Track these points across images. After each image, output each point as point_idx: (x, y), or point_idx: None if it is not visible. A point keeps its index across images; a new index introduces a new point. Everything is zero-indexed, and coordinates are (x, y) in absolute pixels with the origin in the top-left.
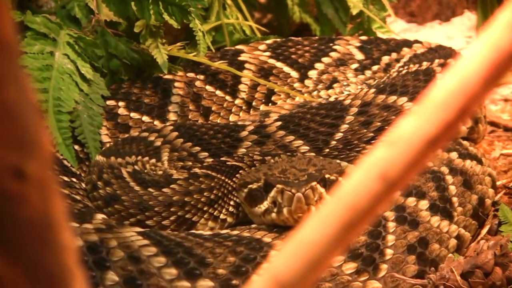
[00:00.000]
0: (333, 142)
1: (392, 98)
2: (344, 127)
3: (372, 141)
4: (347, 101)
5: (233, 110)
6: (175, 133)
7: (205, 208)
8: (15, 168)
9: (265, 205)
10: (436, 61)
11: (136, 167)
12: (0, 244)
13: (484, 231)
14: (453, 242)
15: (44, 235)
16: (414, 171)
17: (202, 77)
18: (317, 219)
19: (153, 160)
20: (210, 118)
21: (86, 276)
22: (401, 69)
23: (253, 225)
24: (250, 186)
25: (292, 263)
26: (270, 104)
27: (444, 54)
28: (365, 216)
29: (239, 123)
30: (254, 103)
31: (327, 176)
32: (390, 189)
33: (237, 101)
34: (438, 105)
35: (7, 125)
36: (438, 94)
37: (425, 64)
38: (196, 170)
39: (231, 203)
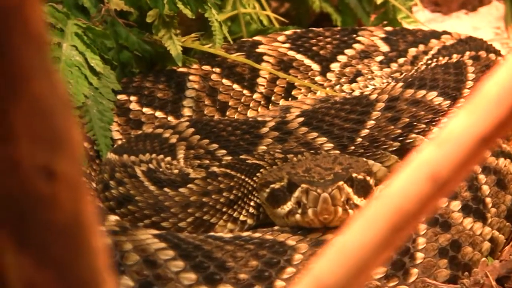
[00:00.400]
0: (359, 139)
1: (421, 92)
2: (371, 123)
3: (400, 138)
4: (373, 96)
5: (251, 105)
6: (191, 130)
7: (224, 209)
8: (46, 168)
9: (288, 206)
10: (467, 53)
11: (150, 165)
12: (31, 248)
13: None
14: (486, 245)
15: (74, 238)
16: (465, 171)
17: (218, 70)
18: (362, 221)
19: (168, 158)
20: (227, 113)
21: (116, 281)
22: (429, 61)
23: (276, 227)
24: (272, 185)
25: (336, 268)
26: (290, 98)
27: (475, 46)
28: (413, 218)
29: (259, 119)
30: (273, 98)
31: (354, 175)
32: (440, 190)
33: (255, 96)
34: (491, 101)
35: (37, 121)
36: (491, 89)
37: (455, 57)
38: (215, 169)
39: (252, 203)
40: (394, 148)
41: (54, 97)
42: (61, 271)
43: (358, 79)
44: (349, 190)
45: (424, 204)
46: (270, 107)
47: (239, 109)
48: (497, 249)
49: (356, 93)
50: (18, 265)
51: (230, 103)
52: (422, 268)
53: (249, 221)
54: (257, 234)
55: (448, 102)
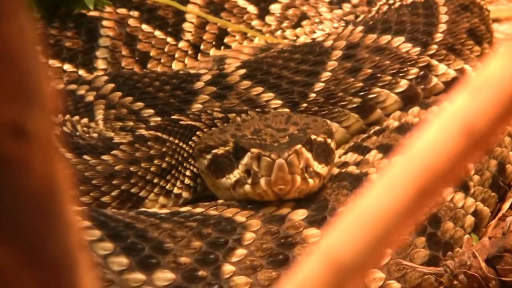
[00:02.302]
0: (312, 95)
1: (386, 38)
2: (326, 75)
3: (362, 93)
4: (329, 42)
5: (176, 55)
6: (111, 85)
7: (155, 180)
8: (15, 125)
9: (235, 175)
10: None
11: (65, 128)
12: None
13: (507, 205)
14: (470, 220)
15: (47, 209)
16: (504, 123)
17: (136, 13)
18: (383, 185)
19: (85, 120)
20: (148, 65)
21: (91, 261)
22: (391, 1)
23: (220, 201)
24: (214, 151)
25: (352, 242)
26: (222, 47)
27: None
28: (444, 179)
29: (192, 71)
30: (202, 47)
31: (313, 137)
32: (476, 145)
33: (181, 44)
34: None
35: (4, 69)
36: None
37: None
38: (143, 132)
39: (187, 173)
40: (354, 105)
41: (26, 42)
42: (32, 253)
43: (304, 23)
44: (308, 155)
45: (457, 161)
46: (199, 57)
47: (162, 60)
48: (481, 224)
49: (303, 39)
50: None
51: (151, 53)
52: (395, 248)
53: (185, 194)
54: (198, 209)
55: (417, 49)
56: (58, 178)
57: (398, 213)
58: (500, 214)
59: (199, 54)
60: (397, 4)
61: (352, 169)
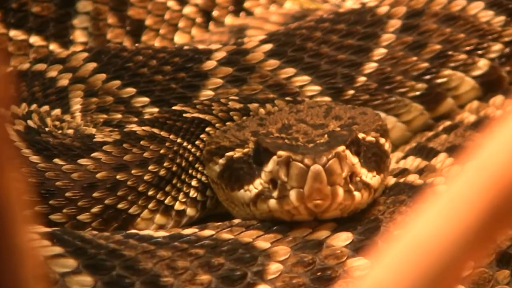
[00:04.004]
0: (361, 79)
1: (460, 3)
2: (380, 53)
3: (427, 76)
4: (384, 9)
5: (180, 24)
6: (92, 65)
7: (150, 193)
8: None
9: (257, 186)
10: None
11: (30, 122)
12: None
13: None
14: None
15: None
16: None
17: None
18: (446, 201)
19: (57, 111)
20: (143, 38)
21: None
22: None
23: (236, 221)
24: (229, 154)
25: (403, 273)
26: (242, 13)
27: None
28: None
29: (200, 47)
30: (215, 13)
31: (361, 136)
32: None
33: (187, 10)
34: None
35: None
36: None
37: None
38: (133, 127)
39: (193, 183)
40: (417, 93)
41: None
42: None
43: None
44: (354, 159)
45: None
46: (210, 28)
47: (161, 31)
48: None
49: (351, 3)
50: None
51: (146, 22)
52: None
53: (190, 211)
54: (207, 232)
55: (501, 18)
56: (8, 196)
57: (462, 239)
58: None
59: (210, 23)
60: None
61: (413, 178)
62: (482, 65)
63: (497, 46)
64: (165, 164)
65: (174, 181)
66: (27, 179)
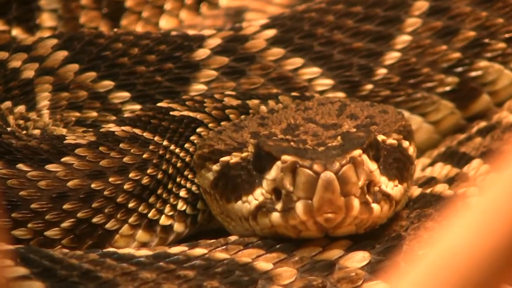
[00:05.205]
0: (381, 71)
1: None
2: (403, 40)
3: (459, 69)
4: None
5: (166, 6)
6: (63, 53)
7: (130, 205)
8: None
9: (257, 196)
10: None
11: None
12: None
13: None
14: None
15: None
16: None
17: None
18: (474, 213)
19: (21, 108)
20: (122, 22)
21: None
22: None
23: (233, 237)
24: (225, 159)
25: None
26: None
27: None
28: None
29: (191, 32)
30: None
31: (380, 138)
32: None
33: None
34: None
35: None
36: None
37: None
38: (111, 127)
39: (182, 193)
40: (447, 88)
41: None
42: None
43: None
44: (372, 166)
45: None
46: (202, 10)
47: (144, 14)
48: None
49: None
50: None
51: (127, 3)
52: None
53: (177, 226)
54: (198, 251)
55: None
56: None
57: (501, 254)
58: None
59: (202, 5)
60: None
61: (441, 188)
62: None
63: None
64: (149, 171)
65: (159, 191)
66: None
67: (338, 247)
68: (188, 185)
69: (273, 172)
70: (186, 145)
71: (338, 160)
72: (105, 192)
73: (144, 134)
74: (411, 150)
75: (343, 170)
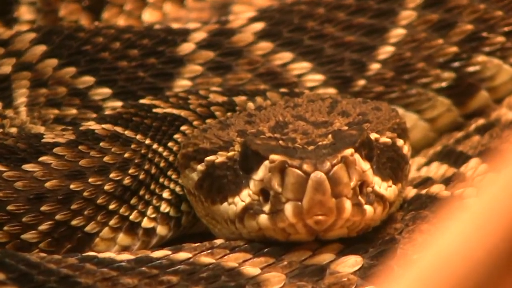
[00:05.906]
0: (375, 66)
1: None
2: (397, 34)
3: (456, 64)
4: None
5: None
6: (41, 48)
7: (111, 206)
8: None
9: (244, 198)
10: None
11: None
12: None
13: None
14: None
15: None
16: None
17: None
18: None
19: None
20: (103, 16)
21: None
22: None
23: (218, 241)
24: (210, 158)
25: None
26: None
27: None
28: None
29: (175, 26)
30: None
31: (373, 136)
32: None
33: None
34: None
35: None
36: None
37: None
38: (92, 125)
39: (165, 195)
40: (444, 84)
41: None
42: None
43: None
44: (365, 165)
45: None
46: (187, 2)
47: (126, 7)
48: None
49: None
50: None
51: None
52: None
53: (160, 229)
54: (182, 255)
55: None
56: None
57: (498, 257)
58: None
59: None
60: None
61: (438, 189)
62: None
63: None
64: (131, 171)
65: (141, 192)
66: None
67: (329, 251)
68: (171, 186)
69: (261, 172)
70: (170, 144)
71: (329, 160)
72: (85, 193)
73: (126, 132)
74: (406, 149)
75: (334, 170)
